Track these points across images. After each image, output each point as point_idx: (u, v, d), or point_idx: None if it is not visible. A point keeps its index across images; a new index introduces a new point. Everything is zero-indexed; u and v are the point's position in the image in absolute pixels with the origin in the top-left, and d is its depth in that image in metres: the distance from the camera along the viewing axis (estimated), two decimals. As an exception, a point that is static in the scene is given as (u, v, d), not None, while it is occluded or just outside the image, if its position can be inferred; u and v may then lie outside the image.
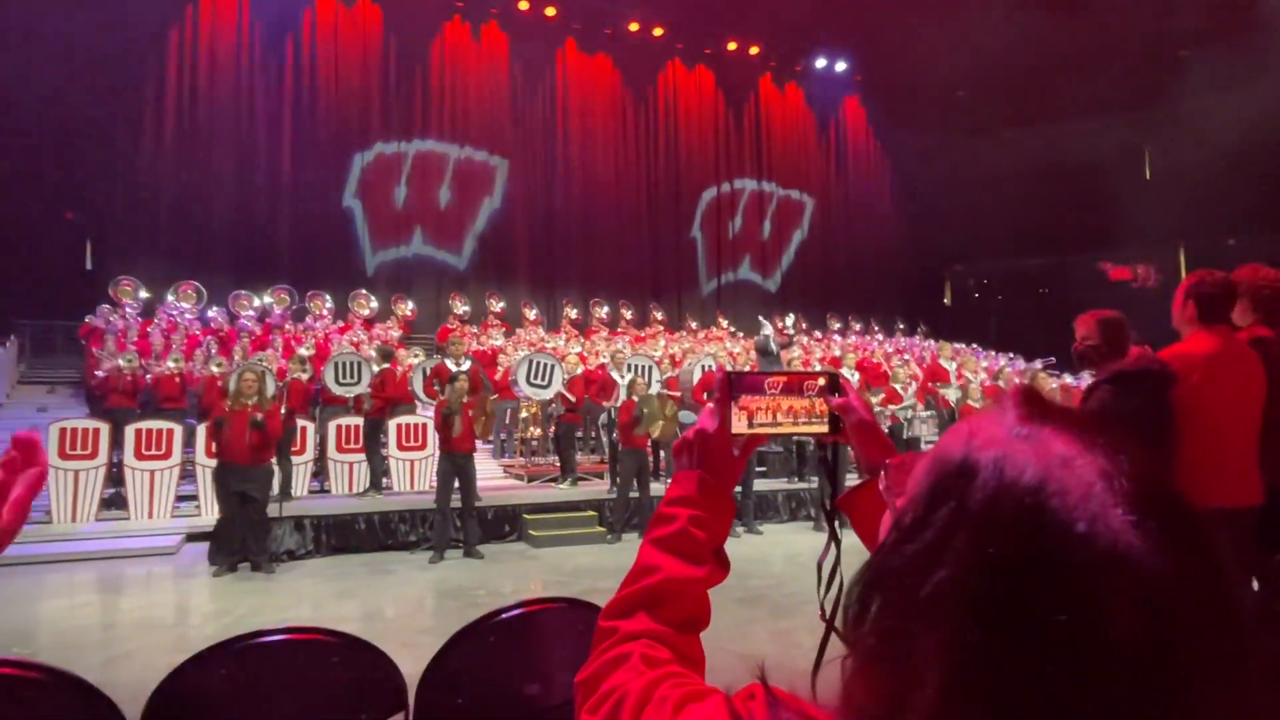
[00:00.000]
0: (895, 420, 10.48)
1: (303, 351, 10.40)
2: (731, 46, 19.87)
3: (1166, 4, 16.50)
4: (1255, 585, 3.15)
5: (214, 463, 7.01)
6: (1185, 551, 0.42)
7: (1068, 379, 12.16)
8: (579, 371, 10.03)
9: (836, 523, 0.87)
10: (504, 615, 1.59)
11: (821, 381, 0.92)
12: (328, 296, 14.37)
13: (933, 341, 16.16)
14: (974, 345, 16.56)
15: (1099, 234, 19.31)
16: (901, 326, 18.47)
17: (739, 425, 0.89)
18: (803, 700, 0.57)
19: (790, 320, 11.99)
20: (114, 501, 8.62)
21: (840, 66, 21.08)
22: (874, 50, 19.68)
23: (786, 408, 0.92)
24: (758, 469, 9.38)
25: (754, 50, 20.12)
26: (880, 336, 16.78)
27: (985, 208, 19.42)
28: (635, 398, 8.45)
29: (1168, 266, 19.89)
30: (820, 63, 20.96)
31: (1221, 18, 16.11)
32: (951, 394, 10.59)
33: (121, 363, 8.83)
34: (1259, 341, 3.13)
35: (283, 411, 7.92)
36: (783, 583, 6.35)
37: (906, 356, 13.91)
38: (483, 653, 1.59)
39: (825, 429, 0.91)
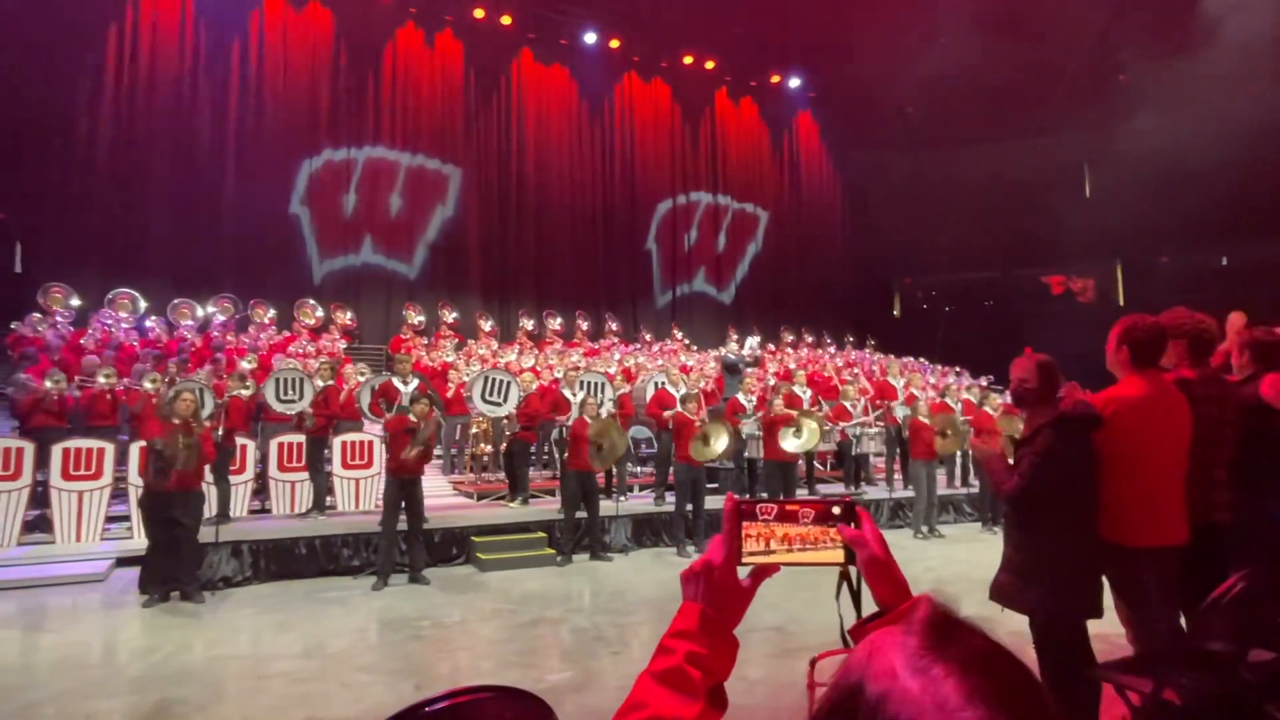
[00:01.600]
0: (845, 437, 10.61)
1: (244, 365, 10.06)
2: (688, 60, 20.00)
3: (1106, 31, 17.17)
4: (1183, 622, 3.25)
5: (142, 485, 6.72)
6: None
7: (1010, 398, 12.48)
8: (534, 387, 9.91)
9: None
10: (428, 709, 1.52)
11: (836, 510, 0.90)
12: (270, 307, 13.94)
13: (881, 356, 16.44)
14: (922, 359, 16.89)
15: (1041, 249, 19.96)
16: (851, 339, 18.76)
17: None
18: None
19: (754, 342, 12.07)
20: (38, 524, 8.21)
21: (794, 82, 21.41)
22: (827, 67, 20.06)
23: (781, 535, 0.90)
24: (709, 485, 9.34)
25: (710, 64, 20.29)
26: (832, 349, 17.01)
27: (933, 222, 19.92)
28: (588, 417, 8.41)
29: (1105, 282, 20.66)
30: (775, 78, 21.25)
31: (1158, 45, 16.80)
32: (899, 412, 10.77)
33: (48, 384, 8.39)
34: (1183, 382, 3.23)
35: (220, 432, 7.64)
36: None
37: (856, 370, 14.10)
38: (407, 746, 1.52)
39: (839, 558, 0.89)
